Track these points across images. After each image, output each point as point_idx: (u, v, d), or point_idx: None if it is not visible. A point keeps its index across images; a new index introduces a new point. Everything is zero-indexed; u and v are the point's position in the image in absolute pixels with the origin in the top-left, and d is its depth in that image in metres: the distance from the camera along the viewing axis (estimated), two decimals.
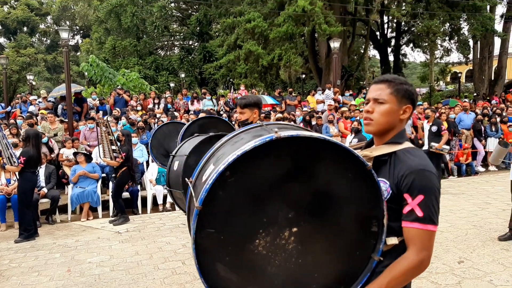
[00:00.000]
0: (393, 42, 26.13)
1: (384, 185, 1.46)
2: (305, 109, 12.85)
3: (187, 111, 12.92)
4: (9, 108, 13.20)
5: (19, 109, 11.74)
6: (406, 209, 1.41)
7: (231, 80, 22.27)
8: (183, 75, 22.99)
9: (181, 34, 29.11)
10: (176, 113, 11.96)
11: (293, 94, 14.96)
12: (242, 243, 1.32)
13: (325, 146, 1.32)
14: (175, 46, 30.01)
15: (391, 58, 26.32)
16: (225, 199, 1.29)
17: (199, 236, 1.28)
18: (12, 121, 10.07)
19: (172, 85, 22.24)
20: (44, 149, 8.38)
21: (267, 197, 1.31)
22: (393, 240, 1.45)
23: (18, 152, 6.22)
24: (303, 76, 22.65)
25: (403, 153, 1.49)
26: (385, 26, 25.83)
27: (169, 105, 13.21)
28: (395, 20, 23.28)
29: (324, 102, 13.38)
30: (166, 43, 29.46)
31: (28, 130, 6.29)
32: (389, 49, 26.37)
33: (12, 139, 7.59)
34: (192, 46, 28.58)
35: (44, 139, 8.36)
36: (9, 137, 7.78)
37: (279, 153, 1.30)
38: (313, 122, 10.81)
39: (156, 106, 13.24)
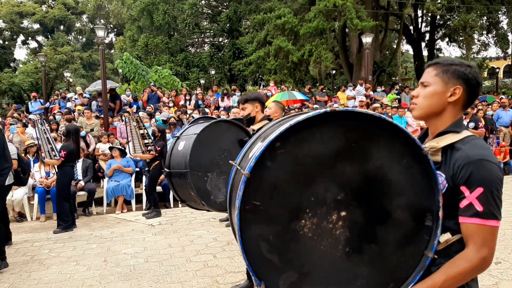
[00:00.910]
0: (427, 36, 25.35)
1: (440, 178, 1.34)
2: (335, 105, 12.71)
3: (218, 107, 13.08)
4: (47, 104, 13.77)
5: (58, 105, 12.22)
6: (463, 203, 1.29)
7: (260, 76, 22.30)
8: (213, 72, 23.22)
9: (211, 31, 29.37)
10: (206, 109, 12.13)
11: (323, 90, 14.83)
12: (288, 221, 1.24)
13: (381, 126, 1.25)
14: (205, 43, 30.33)
15: (425, 53, 25.56)
16: (273, 170, 1.22)
17: (244, 208, 1.21)
18: (51, 116, 10.49)
19: (202, 81, 22.51)
20: (81, 143, 8.71)
21: (316, 174, 1.24)
22: (446, 237, 1.34)
23: (58, 146, 6.49)
24: (333, 72, 22.37)
25: (461, 143, 1.37)
26: (419, 20, 25.07)
27: (200, 102, 13.40)
28: (429, 14, 22.58)
29: (355, 98, 13.18)
30: (196, 40, 29.82)
31: (69, 126, 6.54)
32: (423, 44, 25.60)
33: (52, 134, 7.93)
34: (222, 43, 28.80)
35: (82, 133, 8.69)
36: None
37: (332, 129, 1.24)
38: None
39: (188, 102, 13.46)
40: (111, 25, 35.61)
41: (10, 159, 4.62)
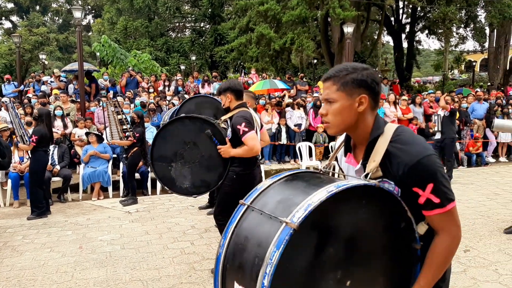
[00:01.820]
0: (407, 28, 25.61)
1: (390, 185, 1.40)
2: (315, 94, 12.77)
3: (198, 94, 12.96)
4: (22, 87, 13.35)
5: (32, 88, 11.86)
6: (421, 200, 1.36)
7: (242, 63, 22.16)
8: (194, 58, 22.92)
9: (193, 16, 28.91)
10: (186, 96, 11.99)
11: (304, 80, 14.86)
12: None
13: (332, 199, 1.22)
14: (187, 28, 29.86)
15: (405, 44, 25.85)
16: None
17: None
18: (25, 100, 10.18)
19: (182, 67, 22.22)
20: (59, 123, 8.53)
21: (311, 275, 1.22)
22: (422, 226, 1.43)
23: (31, 130, 6.33)
24: (315, 61, 22.42)
25: (392, 147, 1.38)
26: (400, 11, 25.29)
27: (180, 88, 13.24)
28: (410, 6, 22.78)
29: None
30: (177, 24, 29.33)
31: (41, 109, 6.37)
32: (403, 36, 25.88)
33: (26, 118, 7.71)
34: (204, 29, 28.42)
35: (59, 112, 8.50)
36: (22, 116, 7.90)
37: (301, 236, 1.17)
38: None
39: (167, 88, 13.27)
40: (89, 6, 34.57)
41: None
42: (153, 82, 13.33)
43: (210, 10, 25.66)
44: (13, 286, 3.72)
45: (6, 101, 8.55)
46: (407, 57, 23.85)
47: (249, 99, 3.81)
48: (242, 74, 17.71)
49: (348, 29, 13.65)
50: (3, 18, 33.01)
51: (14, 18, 33.65)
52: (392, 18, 25.51)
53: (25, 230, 5.51)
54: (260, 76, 15.75)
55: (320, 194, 1.20)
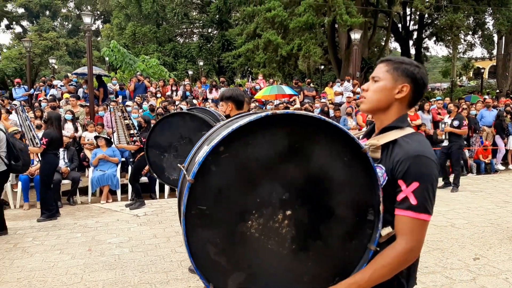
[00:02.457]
0: (415, 35, 25.64)
1: (380, 171, 1.39)
2: (323, 100, 12.79)
3: (205, 99, 13.03)
4: (32, 91, 13.51)
5: (43, 92, 12.01)
6: (400, 196, 1.34)
7: (249, 69, 22.25)
8: (201, 63, 23.06)
9: (201, 21, 29.12)
10: (194, 101, 12.07)
11: (311, 85, 14.89)
12: (234, 224, 1.27)
13: (321, 127, 1.29)
14: (194, 34, 30.08)
15: (412, 51, 25.86)
16: (218, 175, 1.25)
17: (189, 213, 1.23)
18: (36, 103, 10.31)
19: (190, 72, 22.37)
20: (69, 125, 8.62)
21: (261, 176, 1.27)
22: (387, 230, 1.37)
23: (41, 133, 6.40)
24: (322, 67, 22.47)
25: (402, 139, 1.41)
26: (408, 18, 25.33)
27: (188, 93, 13.32)
28: (418, 12, 22.81)
29: (342, 94, 13.28)
30: (185, 30, 29.56)
31: (50, 113, 6.45)
32: (411, 42, 25.89)
33: (36, 121, 7.81)
34: (211, 34, 28.60)
35: (69, 116, 8.59)
36: (32, 119, 8.00)
37: (274, 132, 1.27)
38: (332, 114, 10.77)
39: (175, 93, 13.36)
40: (98, 12, 34.96)
41: None
42: (161, 87, 13.44)
43: (217, 16, 25.84)
44: (24, 287, 3.75)
45: (16, 105, 8.67)
46: None
47: (245, 104, 3.84)
48: (249, 80, 17.78)
49: (355, 35, 13.69)
50: (14, 23, 33.48)
51: (25, 23, 34.14)
52: (400, 25, 25.54)
53: (35, 232, 5.56)
54: (268, 82, 15.80)
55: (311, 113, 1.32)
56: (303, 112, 1.29)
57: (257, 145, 1.27)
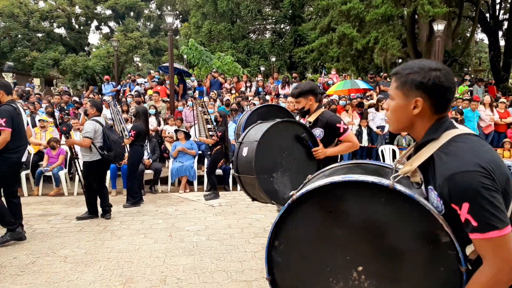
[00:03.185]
0: (505, 25, 23.30)
1: (435, 195, 1.31)
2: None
3: (277, 95, 13.13)
4: (119, 87, 14.64)
5: (128, 88, 12.97)
6: (462, 219, 1.23)
7: (322, 64, 21.94)
8: (273, 59, 23.23)
9: (273, 17, 29.26)
10: (267, 97, 12.22)
11: (388, 80, 14.28)
12: None
13: (340, 187, 1.36)
14: (267, 30, 30.31)
15: (502, 43, 23.56)
16: (285, 265, 1.48)
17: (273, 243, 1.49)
18: (123, 98, 11.17)
19: (262, 68, 22.64)
20: (153, 119, 9.25)
21: (319, 251, 1.40)
22: (471, 248, 1.28)
23: (129, 126, 6.93)
24: (400, 60, 21.41)
25: (437, 154, 1.30)
26: (497, 7, 23.11)
27: (260, 89, 13.52)
28: (509, 0, 20.73)
29: None
30: (258, 27, 29.90)
31: (138, 107, 6.95)
32: (500, 33, 23.59)
33: (123, 115, 8.45)
34: (284, 30, 28.63)
35: (152, 110, 9.20)
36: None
37: (305, 209, 1.42)
38: None
39: (248, 89, 13.64)
40: (177, 12, 36.73)
41: (25, 138, 4.88)
42: (235, 83, 13.79)
43: (290, 11, 25.78)
44: (113, 266, 4.11)
45: (108, 100, 9.46)
46: (505, 56, 21.69)
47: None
48: (322, 75, 17.53)
49: (439, 26, 12.83)
50: (102, 24, 36.44)
51: (112, 23, 36.96)
52: (488, 14, 23.39)
53: (122, 217, 6.06)
54: (341, 76, 15.46)
55: (325, 181, 1.39)
56: (320, 183, 1.38)
57: (301, 227, 1.43)
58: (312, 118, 3.38)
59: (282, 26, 29.28)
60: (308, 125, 3.27)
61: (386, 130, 9.70)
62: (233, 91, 12.88)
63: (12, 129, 4.54)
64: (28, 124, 5.13)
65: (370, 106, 10.19)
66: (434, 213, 1.26)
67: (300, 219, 1.43)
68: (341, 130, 3.26)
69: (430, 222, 1.28)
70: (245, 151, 3.07)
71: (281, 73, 23.56)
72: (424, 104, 1.34)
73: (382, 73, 16.53)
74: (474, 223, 1.19)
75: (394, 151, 9.11)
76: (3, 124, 4.47)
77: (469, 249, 1.28)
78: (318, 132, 3.34)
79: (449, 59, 18.34)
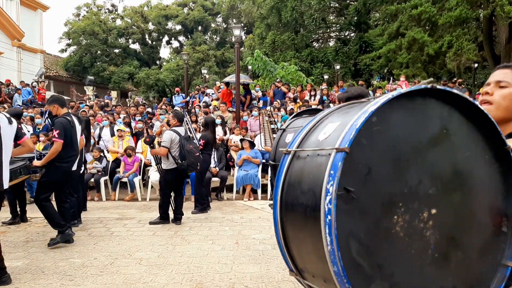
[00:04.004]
0: None
1: None
2: (477, 102, 11.41)
3: None
4: (188, 98, 15.32)
5: (197, 99, 13.52)
6: None
7: (389, 70, 21.20)
8: (338, 67, 22.90)
9: (338, 25, 28.92)
10: (331, 105, 12.04)
11: (463, 86, 13.41)
12: (380, 217, 1.05)
13: (472, 115, 1.17)
14: (331, 38, 30.01)
15: None
16: (368, 150, 1.05)
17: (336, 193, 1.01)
18: (192, 109, 11.66)
19: (326, 77, 22.39)
20: (219, 129, 9.55)
21: (411, 161, 1.09)
22: None
23: (198, 135, 7.20)
24: (476, 65, 20.05)
25: None
26: None
27: (325, 97, 13.37)
28: None
29: None
30: (322, 35, 29.71)
31: (207, 117, 7.23)
32: None
33: (193, 124, 8.80)
34: (348, 37, 28.15)
35: (218, 120, 9.50)
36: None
37: (429, 110, 1.13)
38: None
39: (312, 98, 13.55)
40: (242, 24, 37.73)
41: (77, 149, 5.19)
42: (299, 92, 13.78)
43: (355, 18, 25.33)
44: (184, 271, 4.27)
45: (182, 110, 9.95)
46: None
47: None
48: (390, 82, 16.92)
49: None
50: (173, 38, 38.51)
51: (181, 38, 38.91)
52: None
53: (190, 223, 6.28)
54: (411, 83, 14.81)
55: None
56: (459, 93, 1.16)
57: (408, 123, 1.10)
58: None
59: (346, 33, 28.83)
60: None
61: None
62: (298, 100, 12.87)
63: (64, 140, 4.92)
64: (81, 135, 5.56)
65: None
66: None
67: (416, 111, 1.11)
68: None
69: (507, 204, 1.18)
70: (288, 138, 2.91)
71: (346, 81, 23.13)
72: None
73: (455, 79, 15.57)
74: None
75: None
76: (56, 136, 4.87)
77: None
78: None
79: None
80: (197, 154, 6.05)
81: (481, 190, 1.17)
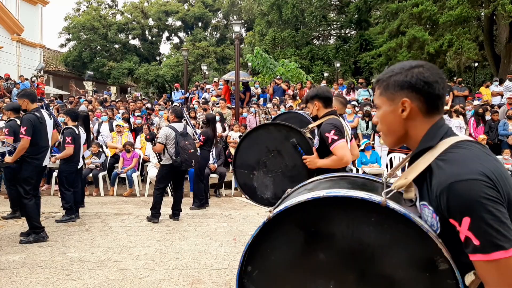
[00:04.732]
0: None
1: (429, 211, 1.14)
2: (476, 102, 11.41)
3: None
4: (187, 94, 15.29)
5: (196, 95, 13.50)
6: (462, 237, 1.04)
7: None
8: (338, 65, 22.84)
9: (338, 23, 28.85)
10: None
11: (462, 85, 13.40)
12: None
13: (324, 204, 1.19)
14: (331, 36, 29.96)
15: None
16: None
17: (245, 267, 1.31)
18: (191, 105, 11.64)
19: (326, 74, 22.36)
20: (218, 125, 9.54)
21: (296, 279, 1.24)
22: (470, 278, 1.08)
23: (199, 131, 7.18)
24: (476, 64, 20.02)
25: (435, 163, 1.12)
26: None
27: None
28: None
29: (502, 95, 11.64)
30: (322, 32, 29.65)
31: (208, 114, 7.22)
32: None
33: (191, 121, 8.78)
34: (349, 35, 28.11)
35: (217, 117, 9.49)
36: None
37: (285, 232, 1.25)
38: (487, 117, 9.53)
39: None
40: (242, 20, 37.64)
41: (47, 144, 5.18)
42: (299, 89, 13.76)
43: (356, 16, 25.26)
44: (181, 266, 4.27)
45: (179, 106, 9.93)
46: None
47: (338, 104, 3.46)
48: None
49: None
50: (173, 34, 38.41)
51: (181, 34, 38.79)
52: None
53: (188, 218, 6.28)
54: None
55: (306, 196, 1.21)
56: (296, 200, 1.22)
57: (277, 251, 1.26)
58: (314, 124, 3.14)
59: (347, 31, 28.78)
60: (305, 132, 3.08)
61: None
62: (297, 98, 12.85)
63: (32, 137, 4.91)
64: (54, 129, 5.58)
65: (444, 113, 9.61)
66: (432, 235, 1.10)
67: (276, 240, 1.26)
68: (329, 141, 2.88)
69: (426, 246, 1.12)
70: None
71: (346, 79, 23.09)
72: (412, 104, 1.20)
73: (455, 78, 15.55)
74: (476, 242, 1.01)
75: None
76: (23, 132, 4.87)
77: (468, 278, 1.09)
78: (315, 140, 3.10)
79: None
80: (192, 151, 5.94)
81: (384, 251, 1.18)
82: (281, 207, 1.25)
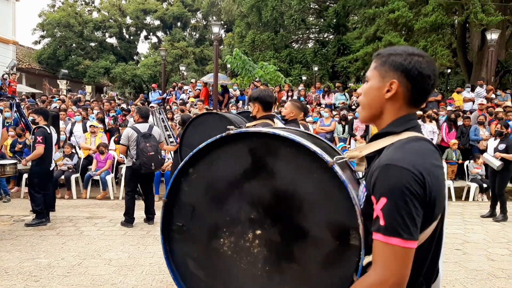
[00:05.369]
0: None
1: (363, 185, 1.21)
2: (449, 108, 11.73)
3: (319, 104, 12.99)
4: (165, 95, 15.11)
5: (174, 96, 13.34)
6: (374, 215, 1.10)
7: (366, 73, 21.55)
8: (316, 68, 23.04)
9: (317, 27, 29.14)
10: (308, 106, 12.12)
11: (436, 90, 13.75)
12: (208, 240, 1.35)
13: (282, 143, 1.25)
14: (310, 39, 30.23)
15: None
16: (190, 194, 1.38)
17: (168, 228, 1.41)
18: (168, 106, 11.50)
19: (304, 78, 22.52)
20: None
21: (228, 195, 1.32)
22: (368, 259, 1.13)
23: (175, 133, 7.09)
24: (448, 71, 20.59)
25: (390, 146, 1.17)
26: None
27: (302, 98, 13.45)
28: None
29: (473, 101, 12.01)
30: (301, 36, 29.89)
31: (184, 115, 7.12)
32: None
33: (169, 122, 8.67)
34: (327, 39, 28.41)
35: None
36: None
37: (236, 151, 1.31)
38: (459, 123, 9.80)
39: (289, 98, 13.60)
40: (222, 22, 37.53)
41: None
42: (277, 92, 13.80)
43: (334, 20, 25.55)
44: (155, 272, 4.20)
45: (153, 107, 9.78)
46: None
47: (295, 109, 3.56)
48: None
49: (492, 36, 12.27)
50: (151, 33, 37.90)
51: (160, 33, 38.32)
52: None
53: None
54: None
55: (269, 130, 1.29)
56: (260, 129, 1.29)
57: (221, 164, 1.34)
58: (251, 125, 3.19)
59: (325, 35, 29.10)
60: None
61: (434, 143, 9.27)
62: (276, 101, 12.90)
63: None
64: (4, 127, 5.45)
65: (417, 118, 9.83)
66: (357, 210, 1.15)
67: (226, 156, 1.33)
68: None
69: (349, 218, 1.16)
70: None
71: (323, 83, 23.33)
72: (399, 88, 1.20)
73: None
74: (382, 222, 1.06)
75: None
76: None
77: (367, 259, 1.13)
78: None
79: (502, 69, 17.42)
80: (152, 153, 5.70)
81: (313, 207, 1.22)
82: (243, 130, 1.34)
